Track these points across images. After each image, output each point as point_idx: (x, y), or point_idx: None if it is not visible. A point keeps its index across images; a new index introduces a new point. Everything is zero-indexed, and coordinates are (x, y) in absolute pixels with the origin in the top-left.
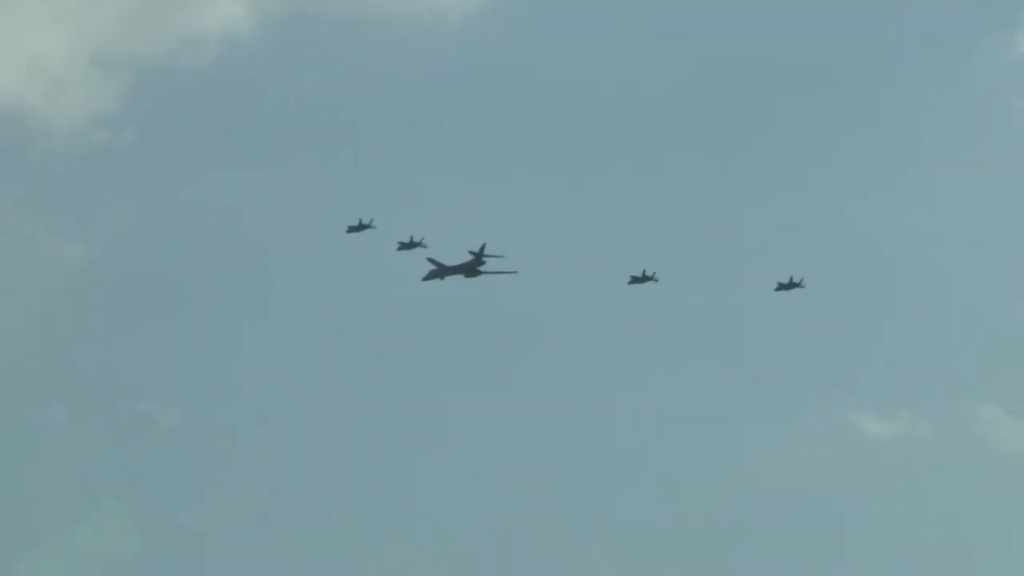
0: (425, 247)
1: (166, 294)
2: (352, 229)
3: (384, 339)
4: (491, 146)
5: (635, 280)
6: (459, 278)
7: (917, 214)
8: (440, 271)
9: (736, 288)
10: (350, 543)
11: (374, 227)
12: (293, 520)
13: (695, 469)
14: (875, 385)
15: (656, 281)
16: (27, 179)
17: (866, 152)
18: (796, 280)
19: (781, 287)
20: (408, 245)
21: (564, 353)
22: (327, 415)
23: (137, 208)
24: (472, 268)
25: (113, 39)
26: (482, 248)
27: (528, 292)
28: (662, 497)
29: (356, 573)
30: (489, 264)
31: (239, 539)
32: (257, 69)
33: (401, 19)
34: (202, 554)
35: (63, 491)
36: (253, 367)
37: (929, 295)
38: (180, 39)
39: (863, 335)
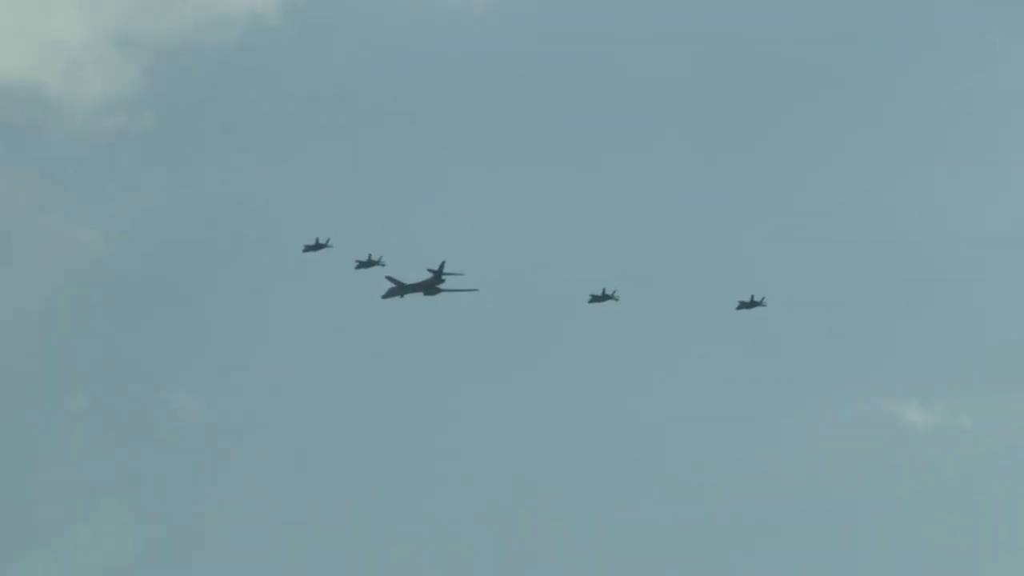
0: (383, 265)
1: (184, 280)
2: (309, 248)
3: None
4: (513, 134)
5: (595, 299)
6: (419, 296)
7: (952, 201)
8: (399, 289)
9: (770, 276)
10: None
11: (331, 246)
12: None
13: (733, 461)
14: (916, 374)
15: (616, 300)
16: (44, 163)
17: (898, 136)
18: (757, 299)
19: (743, 306)
20: (366, 263)
21: (577, 350)
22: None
23: (155, 192)
24: (431, 286)
25: (133, 19)
26: (441, 266)
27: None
28: (697, 491)
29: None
30: (448, 282)
31: (257, 528)
32: (280, 51)
33: (427, 3)
34: (220, 541)
35: (81, 481)
36: (271, 354)
37: (973, 283)
38: (201, 19)
39: (903, 324)
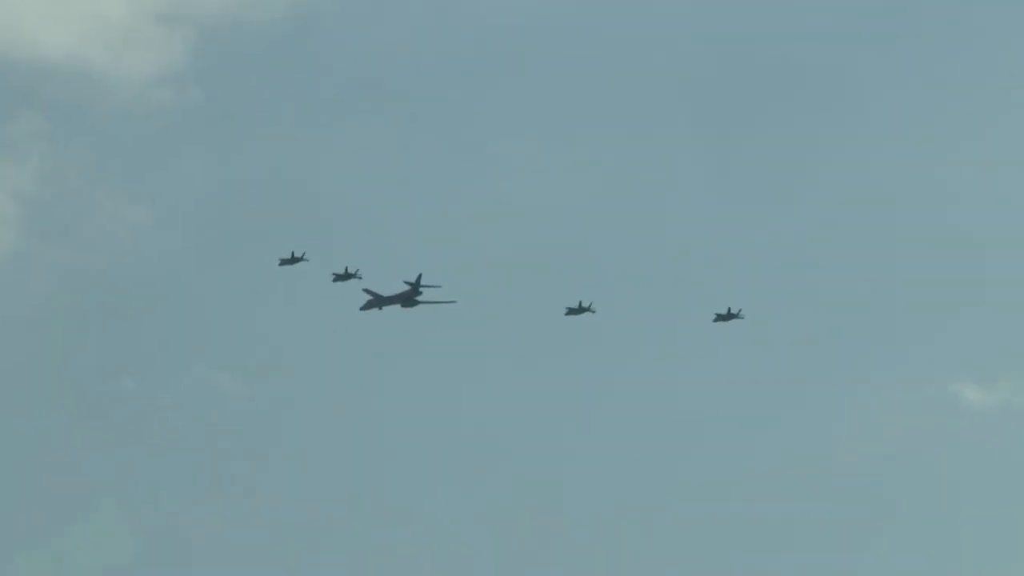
0: (360, 278)
1: (234, 257)
2: (285, 262)
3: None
4: (564, 107)
5: (571, 311)
6: (396, 308)
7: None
8: (377, 301)
9: (829, 258)
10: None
11: (307, 260)
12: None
13: (793, 441)
14: (975, 353)
15: (593, 312)
16: (91, 140)
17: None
18: (734, 311)
19: (719, 318)
20: (343, 276)
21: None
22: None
23: (202, 168)
24: (409, 298)
25: None
26: (418, 278)
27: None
28: (754, 470)
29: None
30: (426, 294)
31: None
32: (325, 25)
33: None
34: (264, 521)
35: (129, 459)
36: (320, 333)
37: None
38: None
39: (961, 303)
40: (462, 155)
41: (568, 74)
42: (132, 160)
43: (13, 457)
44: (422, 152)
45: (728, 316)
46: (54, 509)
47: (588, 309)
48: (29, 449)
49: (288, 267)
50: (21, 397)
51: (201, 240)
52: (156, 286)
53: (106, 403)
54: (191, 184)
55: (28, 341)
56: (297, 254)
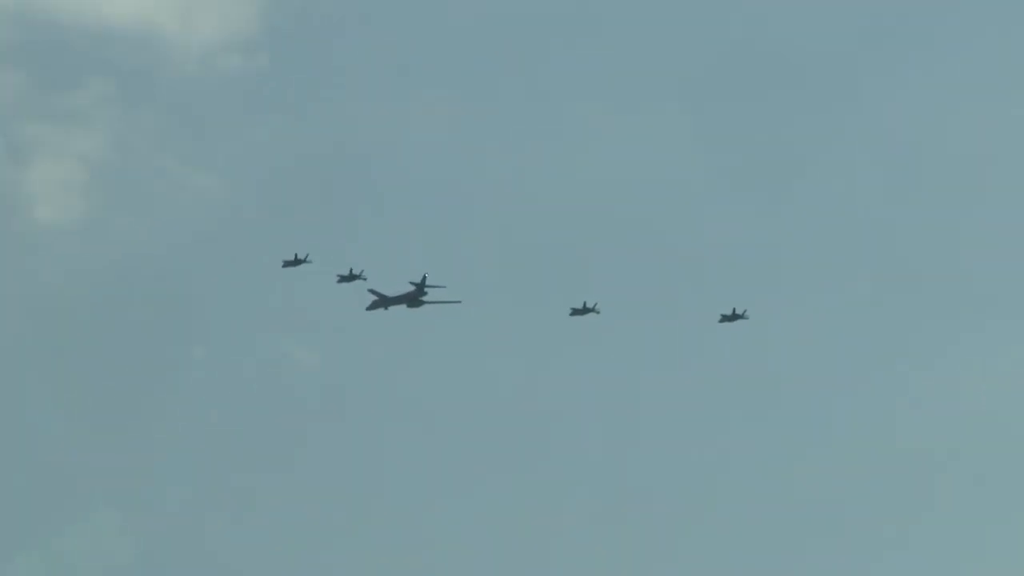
0: (365, 279)
1: (305, 224)
2: (288, 264)
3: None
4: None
5: (576, 312)
6: (402, 308)
7: None
8: (382, 302)
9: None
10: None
11: (310, 262)
12: None
13: (883, 400)
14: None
15: (597, 313)
16: (159, 106)
17: None
18: (739, 312)
19: (725, 319)
20: (348, 278)
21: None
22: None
23: (271, 134)
24: (414, 298)
25: None
26: (423, 279)
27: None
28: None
29: None
30: (431, 294)
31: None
32: None
33: None
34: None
35: (198, 428)
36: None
37: None
38: None
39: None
40: (540, 117)
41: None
42: (200, 127)
43: (86, 422)
44: (494, 115)
45: (733, 317)
46: (126, 464)
47: (593, 310)
48: (100, 415)
49: (291, 268)
50: (90, 363)
51: (268, 209)
52: (223, 253)
53: (174, 372)
54: (259, 151)
55: (96, 307)
56: (300, 256)
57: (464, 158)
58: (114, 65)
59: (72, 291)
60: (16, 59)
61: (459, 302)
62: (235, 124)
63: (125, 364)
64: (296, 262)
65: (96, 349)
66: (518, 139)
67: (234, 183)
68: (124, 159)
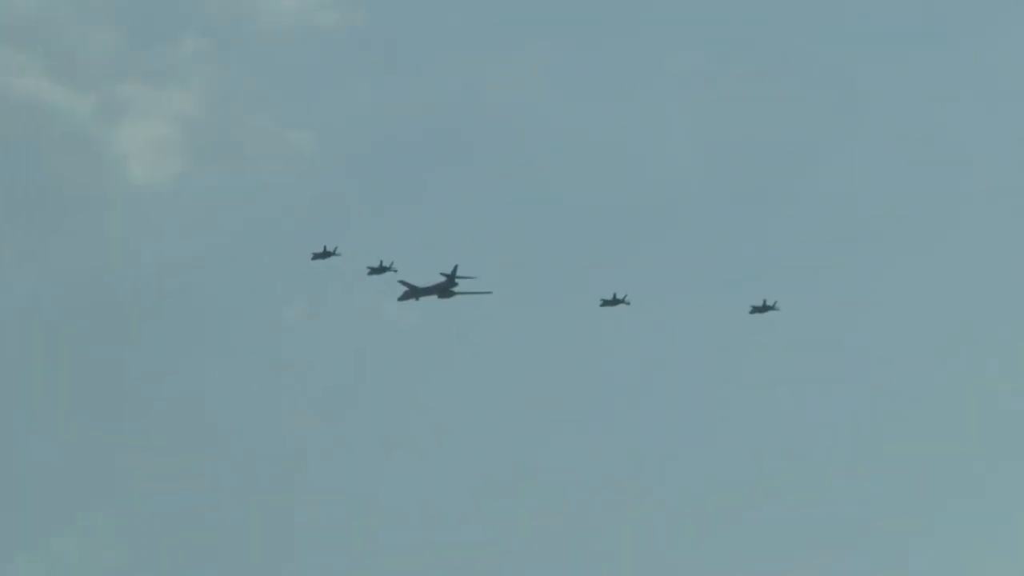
0: (395, 271)
1: (402, 181)
2: (317, 256)
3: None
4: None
5: (606, 303)
6: (433, 299)
7: None
8: (413, 292)
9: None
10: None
11: (339, 254)
12: None
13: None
14: None
15: (628, 304)
16: (254, 63)
17: None
18: (770, 303)
19: (755, 310)
20: (378, 270)
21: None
22: None
23: (366, 92)
24: (445, 289)
25: None
26: (454, 269)
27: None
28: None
29: None
30: (462, 285)
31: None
32: None
33: None
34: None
35: (291, 387)
36: (502, 252)
37: None
38: None
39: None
40: (640, 75)
41: None
42: (295, 83)
43: (174, 370)
44: (596, 72)
45: (764, 308)
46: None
47: (623, 301)
48: (194, 367)
49: (320, 261)
50: (184, 319)
51: (365, 167)
52: (317, 211)
53: (268, 330)
54: (354, 109)
55: (191, 265)
56: (329, 248)
57: (564, 112)
58: (209, 22)
59: (168, 248)
60: (110, 17)
61: (490, 292)
62: (330, 81)
63: (219, 319)
64: (325, 254)
65: (189, 305)
66: (622, 92)
67: (328, 140)
68: (218, 116)
